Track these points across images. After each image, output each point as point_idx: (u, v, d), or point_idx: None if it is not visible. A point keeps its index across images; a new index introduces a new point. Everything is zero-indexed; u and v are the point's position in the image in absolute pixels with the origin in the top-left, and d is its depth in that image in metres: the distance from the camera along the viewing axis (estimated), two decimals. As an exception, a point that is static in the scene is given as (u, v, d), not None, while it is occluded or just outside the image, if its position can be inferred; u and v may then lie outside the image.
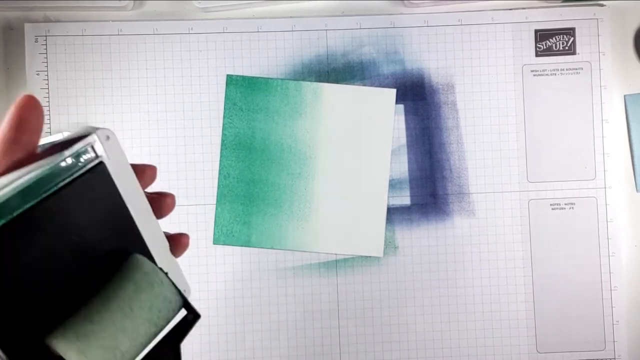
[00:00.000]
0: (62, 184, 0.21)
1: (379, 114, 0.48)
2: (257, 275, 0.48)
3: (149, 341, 0.23)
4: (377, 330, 0.48)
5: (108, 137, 0.23)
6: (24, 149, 0.22)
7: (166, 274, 0.24)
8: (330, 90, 0.48)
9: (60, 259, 0.22)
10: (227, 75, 0.48)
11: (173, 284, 0.24)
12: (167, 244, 0.27)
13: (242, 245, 0.48)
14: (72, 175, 0.22)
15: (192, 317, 0.25)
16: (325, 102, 0.48)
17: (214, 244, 0.48)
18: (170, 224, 0.52)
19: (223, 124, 0.48)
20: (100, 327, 0.21)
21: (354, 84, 0.48)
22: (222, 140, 0.48)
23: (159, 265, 0.25)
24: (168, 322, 0.24)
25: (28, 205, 0.20)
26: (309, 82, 0.48)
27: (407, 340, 0.48)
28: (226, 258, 0.48)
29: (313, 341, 0.48)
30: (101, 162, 0.23)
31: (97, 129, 0.23)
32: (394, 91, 0.48)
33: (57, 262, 0.21)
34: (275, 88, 0.48)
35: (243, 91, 0.48)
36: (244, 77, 0.48)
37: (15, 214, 0.20)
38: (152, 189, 0.28)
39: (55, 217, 0.21)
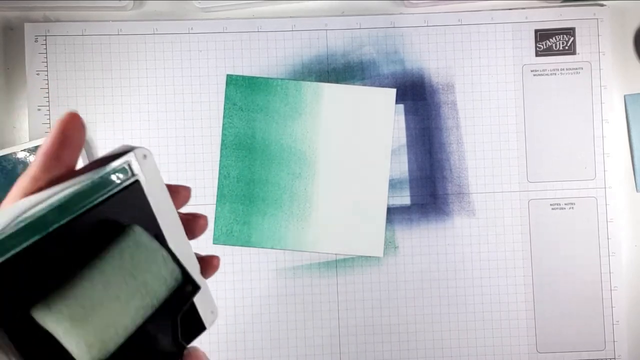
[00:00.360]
0: (97, 200, 0.22)
1: (379, 114, 0.48)
2: (257, 275, 0.48)
3: (145, 312, 0.22)
4: (377, 330, 0.48)
5: (145, 156, 0.24)
6: (65, 165, 0.23)
7: (168, 249, 0.24)
8: (330, 90, 0.48)
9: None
10: (227, 75, 0.48)
11: (173, 254, 0.24)
12: (197, 265, 0.27)
13: (242, 245, 0.48)
14: (108, 192, 0.22)
15: (192, 288, 0.24)
16: (325, 102, 0.48)
17: (213, 243, 0.47)
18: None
19: (223, 124, 0.48)
20: (90, 297, 0.20)
21: (354, 84, 0.48)
22: (222, 140, 0.48)
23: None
24: (167, 293, 0.23)
25: (64, 221, 0.20)
26: (309, 82, 0.48)
27: (407, 340, 0.48)
28: (226, 258, 0.48)
29: (313, 341, 0.48)
30: (137, 181, 0.23)
31: (134, 147, 0.23)
32: (393, 91, 0.48)
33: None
34: (275, 88, 0.48)
35: (243, 91, 0.48)
36: (244, 77, 0.48)
37: (51, 228, 0.20)
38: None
39: (90, 234, 0.22)
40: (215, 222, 0.47)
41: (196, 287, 0.24)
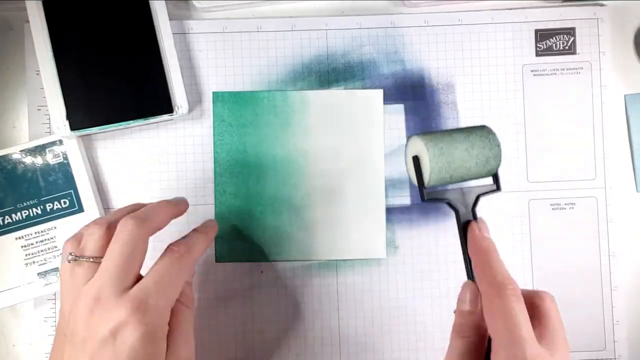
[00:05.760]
0: None
1: (368, 115, 0.48)
2: (257, 275, 0.48)
3: (464, 179, 0.36)
4: (377, 331, 0.48)
5: None
6: None
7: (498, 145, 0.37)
8: (317, 97, 0.48)
9: None
10: (213, 93, 0.48)
11: (499, 154, 0.36)
12: None
13: (245, 261, 0.47)
14: None
15: (496, 187, 0.38)
16: (313, 109, 0.48)
17: (216, 262, 0.47)
18: (172, 223, 0.51)
19: (214, 142, 0.48)
20: (449, 149, 0.35)
21: (354, 84, 0.48)
22: (215, 158, 0.48)
23: None
24: (482, 176, 0.37)
25: None
26: (294, 92, 0.48)
27: (407, 340, 0.48)
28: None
29: (313, 341, 0.48)
30: None
31: None
32: (380, 91, 0.48)
33: None
34: (262, 100, 0.48)
35: (230, 107, 0.48)
36: (229, 93, 0.48)
37: None
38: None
39: None
40: (216, 240, 0.47)
41: (499, 188, 0.38)
